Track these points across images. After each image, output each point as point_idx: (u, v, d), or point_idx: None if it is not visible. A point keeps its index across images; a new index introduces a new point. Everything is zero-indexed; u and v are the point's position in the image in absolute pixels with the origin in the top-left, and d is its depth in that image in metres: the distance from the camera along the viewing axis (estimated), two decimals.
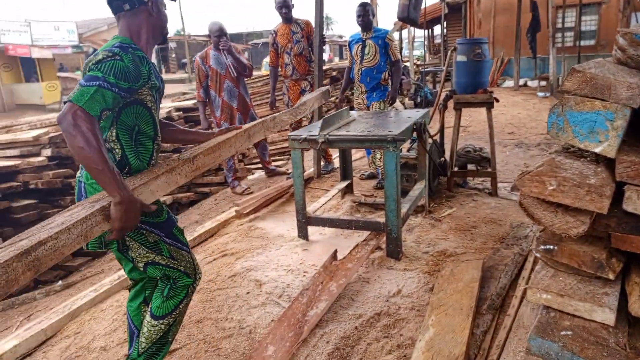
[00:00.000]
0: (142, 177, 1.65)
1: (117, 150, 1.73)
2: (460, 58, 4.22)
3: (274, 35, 4.98)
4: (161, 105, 5.98)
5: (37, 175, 4.34)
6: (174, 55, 39.24)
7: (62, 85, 21.22)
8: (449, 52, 4.41)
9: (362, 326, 2.44)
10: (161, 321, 1.89)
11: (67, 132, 1.46)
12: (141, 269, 1.86)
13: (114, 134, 1.72)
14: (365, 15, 4.43)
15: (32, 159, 4.40)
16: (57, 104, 19.85)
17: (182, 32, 33.19)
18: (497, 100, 4.27)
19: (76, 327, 2.57)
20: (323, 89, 3.29)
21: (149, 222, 1.76)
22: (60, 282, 3.53)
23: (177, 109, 6.18)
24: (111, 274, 3.44)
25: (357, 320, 2.49)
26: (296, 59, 4.92)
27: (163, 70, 36.80)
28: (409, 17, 5.11)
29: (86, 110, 1.48)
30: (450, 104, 4.42)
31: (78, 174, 1.81)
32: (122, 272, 3.18)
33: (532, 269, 2.89)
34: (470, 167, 4.68)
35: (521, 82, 12.64)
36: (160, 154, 1.95)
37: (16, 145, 4.66)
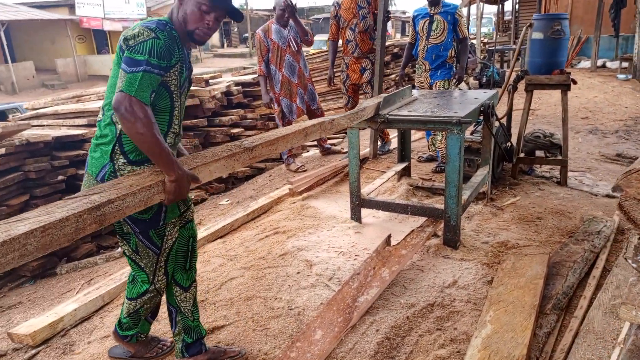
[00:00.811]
0: (205, 157, 1.72)
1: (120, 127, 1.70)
2: (536, 35, 3.89)
3: (337, 7, 4.74)
4: (220, 80, 5.99)
5: None
6: (235, 30, 39.69)
7: None
8: (524, 28, 4.08)
9: (414, 316, 2.34)
10: (129, 302, 2.00)
11: (125, 119, 1.52)
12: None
13: None
14: None
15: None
16: None
17: (244, 7, 33.43)
18: (575, 82, 3.93)
19: None
20: (383, 95, 3.15)
21: (130, 216, 1.70)
22: (119, 249, 3.67)
23: (237, 84, 6.19)
24: None
25: (409, 309, 2.39)
26: (360, 36, 4.69)
27: (225, 44, 37.36)
28: None
29: (138, 99, 1.53)
30: (521, 85, 4.12)
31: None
32: None
33: (605, 269, 2.66)
34: (539, 153, 4.37)
35: (599, 62, 11.70)
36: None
37: (84, 114, 4.85)
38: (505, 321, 2.18)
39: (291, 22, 4.78)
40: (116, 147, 1.70)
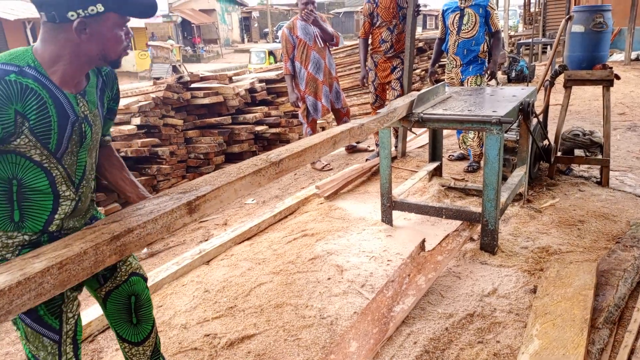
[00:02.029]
0: (230, 175, 1.56)
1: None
2: (577, 28, 3.69)
3: (374, 5, 4.47)
4: (244, 76, 5.90)
5: (127, 143, 4.47)
6: (256, 25, 39.74)
7: (153, 53, 22.18)
8: (562, 21, 3.88)
9: (454, 327, 2.22)
10: None
11: None
12: None
13: None
14: None
15: (122, 127, 4.53)
16: (147, 71, 20.84)
17: (264, 2, 33.42)
18: (618, 78, 3.72)
19: (159, 300, 2.58)
20: (415, 94, 2.98)
21: None
22: (145, 250, 3.63)
23: (260, 80, 6.11)
24: (192, 246, 3.47)
25: (447, 320, 2.27)
26: (397, 37, 4.49)
27: (245, 40, 37.42)
28: None
29: None
30: (559, 80, 3.92)
31: None
32: (203, 245, 3.18)
33: None
34: (578, 152, 4.17)
35: (633, 55, 11.26)
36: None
37: None
38: (554, 336, 2.03)
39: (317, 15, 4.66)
40: None
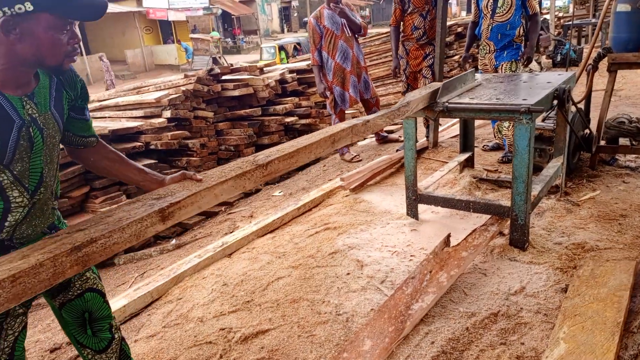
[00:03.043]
0: (211, 179, 1.49)
1: None
2: (622, 7, 3.42)
3: None
4: (275, 67, 5.88)
5: (157, 136, 4.56)
6: (296, 14, 39.70)
7: (194, 46, 22.62)
8: (607, 0, 3.61)
9: (475, 327, 2.12)
10: None
11: None
12: None
13: None
14: None
15: (153, 120, 4.62)
16: (188, 64, 21.28)
17: None
18: None
19: (179, 293, 2.62)
20: (436, 85, 2.82)
21: None
22: (174, 241, 3.70)
23: (291, 71, 6.07)
24: (217, 238, 3.50)
25: (469, 319, 2.17)
26: (430, 23, 4.33)
27: (285, 29, 37.47)
28: None
29: None
30: (603, 64, 3.66)
31: None
32: (226, 238, 3.19)
33: None
34: (623, 141, 3.90)
35: None
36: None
37: (142, 106, 4.93)
38: (582, 340, 1.90)
39: (344, 4, 4.56)
40: None
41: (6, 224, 1.33)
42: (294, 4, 39.32)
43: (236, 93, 5.38)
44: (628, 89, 6.67)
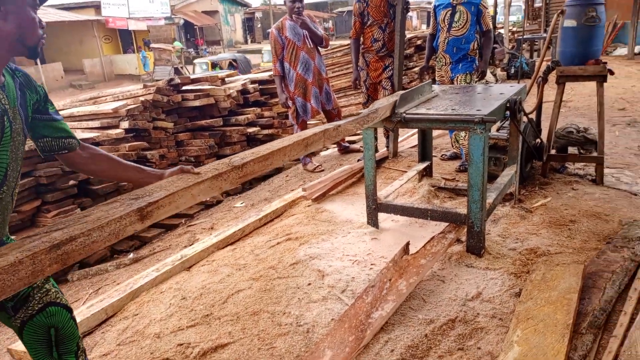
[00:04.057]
0: (188, 180, 1.52)
1: None
2: (569, 23, 3.60)
3: (364, 4, 4.37)
4: (236, 77, 5.87)
5: (114, 147, 4.44)
6: (259, 25, 39.75)
7: (155, 56, 22.28)
8: (555, 15, 3.78)
9: (433, 334, 2.15)
10: None
11: None
12: None
13: None
14: None
15: (110, 131, 4.50)
16: (149, 74, 20.90)
17: (267, 2, 33.40)
18: (612, 73, 3.62)
19: (135, 308, 2.54)
20: (400, 93, 2.90)
21: None
22: (131, 255, 3.59)
23: (253, 81, 6.05)
24: (176, 252, 3.42)
25: (427, 326, 2.20)
26: (389, 36, 4.41)
27: (249, 40, 37.42)
28: None
29: None
30: (552, 76, 3.83)
31: None
32: (185, 251, 3.13)
33: None
34: (572, 150, 4.08)
35: (637, 49, 11.09)
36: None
37: (99, 116, 4.79)
38: (534, 342, 1.96)
39: (306, 16, 4.60)
40: None
41: None
42: (258, 15, 39.37)
43: (197, 103, 5.32)
44: (577, 100, 6.99)
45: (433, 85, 3.52)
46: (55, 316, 1.54)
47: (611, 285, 2.33)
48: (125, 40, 24.98)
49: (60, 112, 5.36)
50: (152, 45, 22.88)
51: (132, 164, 1.69)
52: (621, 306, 2.23)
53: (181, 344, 2.20)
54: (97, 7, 23.09)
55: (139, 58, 22.48)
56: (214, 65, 16.16)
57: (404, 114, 2.76)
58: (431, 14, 4.33)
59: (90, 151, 1.64)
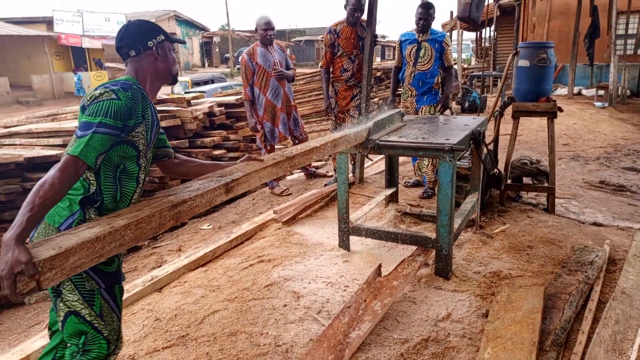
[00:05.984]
0: (254, 166, 1.90)
1: (92, 182, 1.62)
2: (523, 63, 3.91)
3: (335, 36, 4.52)
4: (203, 100, 5.89)
5: None
6: (217, 50, 39.78)
7: (110, 75, 21.72)
8: (510, 56, 4.10)
9: (409, 353, 2.23)
10: None
11: (50, 177, 1.35)
12: (60, 318, 1.62)
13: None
14: (428, 19, 4.17)
15: None
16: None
17: (226, 27, 33.57)
18: (561, 110, 3.94)
19: None
20: (374, 120, 3.06)
21: (95, 268, 1.48)
22: None
23: (219, 105, 6.08)
24: (144, 273, 3.35)
25: (402, 345, 2.27)
26: (358, 66, 4.58)
27: (206, 64, 37.31)
28: (470, 16, 4.73)
29: (80, 158, 1.43)
30: (508, 111, 4.11)
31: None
32: (155, 272, 3.07)
33: (600, 301, 2.60)
34: (526, 180, 4.36)
35: (575, 90, 11.99)
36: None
37: (59, 133, 4.66)
38: (504, 359, 2.08)
39: (277, 45, 4.73)
40: (91, 197, 1.61)
41: (133, 200, 1.74)
42: (216, 39, 39.44)
43: (163, 124, 5.27)
44: (525, 135, 7.46)
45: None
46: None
47: (569, 306, 2.50)
48: (78, 58, 24.26)
49: (16, 129, 5.16)
50: (108, 64, 22.33)
51: (210, 162, 2.16)
52: (578, 325, 2.40)
53: None
54: (49, 23, 22.40)
55: (95, 77, 20.97)
56: (195, 84, 15.70)
57: (378, 141, 2.88)
58: (396, 48, 4.54)
59: (179, 157, 2.05)
